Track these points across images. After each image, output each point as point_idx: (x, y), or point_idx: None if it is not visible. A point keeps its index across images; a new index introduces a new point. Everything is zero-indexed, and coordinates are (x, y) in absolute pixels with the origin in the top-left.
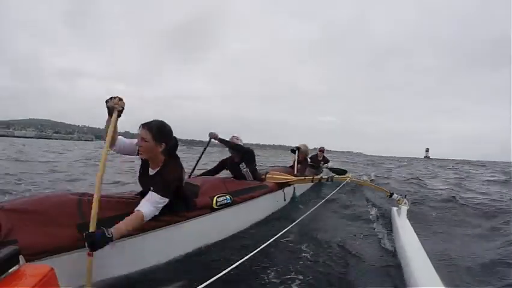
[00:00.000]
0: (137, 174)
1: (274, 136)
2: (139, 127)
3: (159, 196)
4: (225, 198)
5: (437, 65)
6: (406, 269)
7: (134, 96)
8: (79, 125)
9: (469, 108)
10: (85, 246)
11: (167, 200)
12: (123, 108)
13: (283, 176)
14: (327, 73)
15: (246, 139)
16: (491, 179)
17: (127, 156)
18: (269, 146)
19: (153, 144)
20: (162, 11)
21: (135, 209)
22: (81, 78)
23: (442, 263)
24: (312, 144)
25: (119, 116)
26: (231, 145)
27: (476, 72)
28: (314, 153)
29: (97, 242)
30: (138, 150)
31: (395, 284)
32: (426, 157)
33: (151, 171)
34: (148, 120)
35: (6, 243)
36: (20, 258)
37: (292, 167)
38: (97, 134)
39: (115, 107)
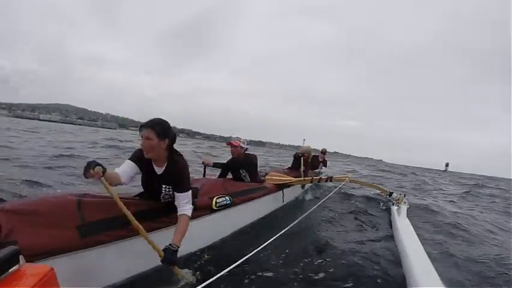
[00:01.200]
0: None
1: (293, 136)
2: (139, 129)
3: (186, 193)
4: (224, 199)
5: (461, 73)
6: (406, 268)
7: (156, 89)
8: (102, 113)
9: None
10: (84, 248)
11: (191, 193)
12: (103, 173)
13: (283, 177)
14: (349, 77)
15: (265, 137)
16: None
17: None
18: (288, 146)
19: (157, 142)
20: (183, 5)
21: (178, 214)
22: (104, 67)
23: (442, 263)
24: (332, 148)
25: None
26: (223, 166)
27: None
28: (316, 154)
29: (170, 260)
30: (143, 151)
31: (395, 283)
32: (446, 171)
33: (159, 170)
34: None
35: (7, 244)
36: (20, 258)
37: (290, 168)
38: (120, 123)
39: (95, 176)
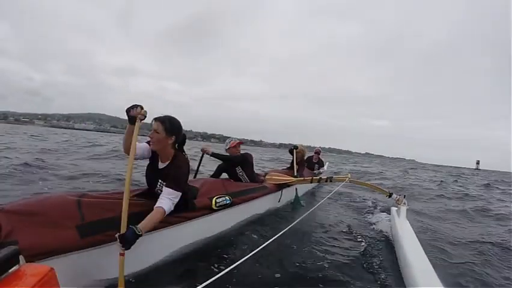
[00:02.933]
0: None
1: (322, 138)
2: (152, 121)
3: (174, 191)
4: (224, 199)
5: (494, 66)
6: (405, 269)
7: (185, 95)
8: None
9: None
10: (84, 248)
11: (180, 194)
12: (145, 117)
13: (283, 177)
14: (377, 77)
15: (294, 141)
16: None
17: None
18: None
19: (164, 136)
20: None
21: (155, 206)
22: (134, 76)
23: (442, 263)
24: (363, 149)
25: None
26: (222, 158)
27: None
28: (310, 155)
29: (129, 240)
30: (150, 141)
31: (394, 284)
32: (477, 169)
33: (161, 165)
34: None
35: (7, 244)
36: (20, 258)
37: (289, 168)
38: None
39: (138, 116)
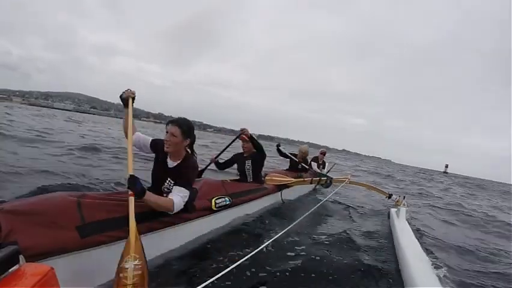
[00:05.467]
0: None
1: (301, 132)
2: (167, 124)
3: (184, 189)
4: (224, 200)
5: (476, 74)
6: (405, 270)
7: (165, 80)
8: (113, 103)
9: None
10: (84, 248)
11: (189, 193)
12: (135, 96)
13: (282, 177)
14: (359, 74)
15: (273, 132)
16: None
17: (138, 150)
18: (297, 142)
19: (181, 140)
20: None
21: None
22: (114, 57)
23: (441, 264)
24: (340, 146)
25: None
26: (258, 145)
27: None
28: (315, 156)
29: (137, 187)
30: (164, 144)
31: (394, 284)
32: (445, 172)
33: (171, 164)
34: (177, 117)
35: (6, 244)
36: (20, 258)
37: (290, 169)
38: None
39: (129, 95)
